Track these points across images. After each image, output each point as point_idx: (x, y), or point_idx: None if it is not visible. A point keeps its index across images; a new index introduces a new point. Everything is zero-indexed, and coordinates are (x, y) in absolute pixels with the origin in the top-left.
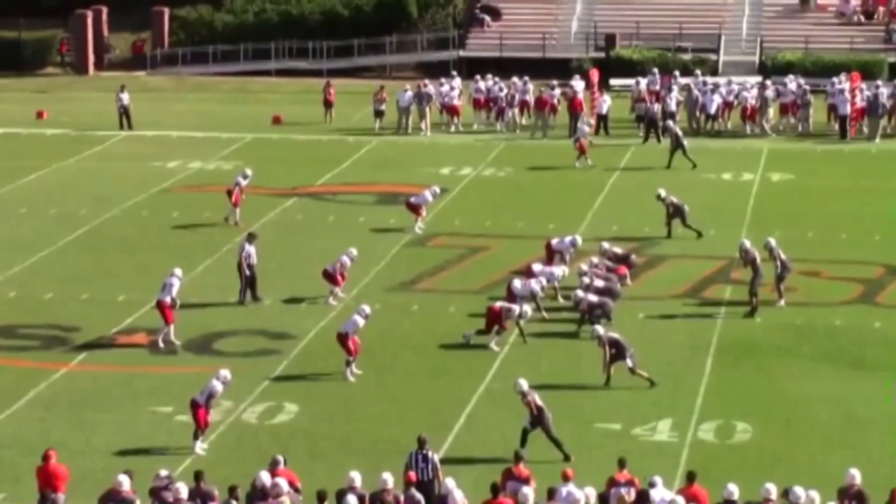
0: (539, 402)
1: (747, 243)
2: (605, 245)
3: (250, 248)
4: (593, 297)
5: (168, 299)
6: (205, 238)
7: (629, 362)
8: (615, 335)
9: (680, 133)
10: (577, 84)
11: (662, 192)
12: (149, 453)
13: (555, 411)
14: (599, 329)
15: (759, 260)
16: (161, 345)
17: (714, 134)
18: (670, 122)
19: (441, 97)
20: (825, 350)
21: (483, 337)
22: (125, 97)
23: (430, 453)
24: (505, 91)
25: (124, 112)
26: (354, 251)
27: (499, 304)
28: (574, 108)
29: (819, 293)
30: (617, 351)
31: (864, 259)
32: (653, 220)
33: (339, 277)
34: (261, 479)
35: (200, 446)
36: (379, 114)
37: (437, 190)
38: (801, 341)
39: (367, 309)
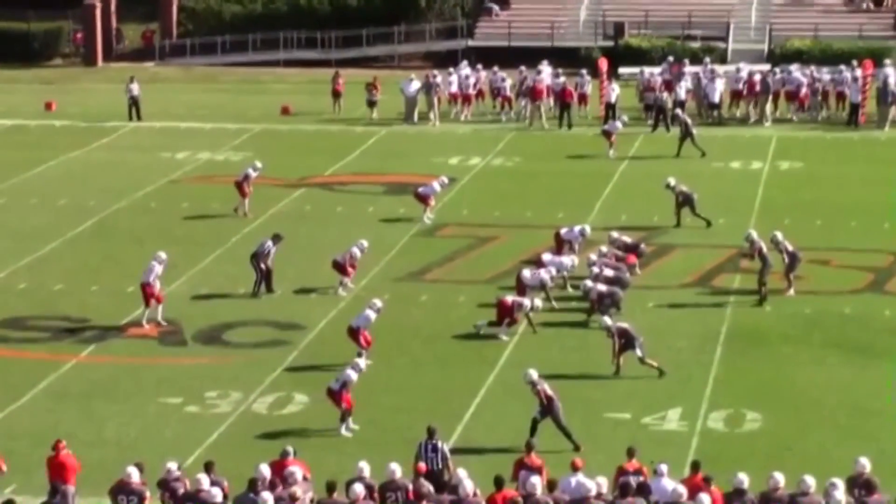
0: (549, 392)
1: (754, 234)
2: (615, 234)
3: (272, 248)
4: (602, 287)
5: (146, 281)
6: (214, 229)
7: (638, 352)
8: (624, 325)
9: (689, 122)
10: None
11: (672, 181)
12: (158, 444)
13: (564, 401)
14: (608, 319)
15: (765, 249)
16: (145, 324)
17: (718, 122)
18: (679, 111)
19: (449, 86)
20: (834, 338)
21: (494, 328)
22: (135, 88)
23: (439, 443)
24: (508, 81)
25: (134, 103)
26: (365, 243)
27: (510, 297)
28: (564, 98)
29: (828, 281)
30: (626, 340)
31: (873, 247)
32: (662, 208)
33: (349, 268)
34: (260, 472)
35: (348, 428)
36: (372, 104)
37: (446, 180)
38: (811, 330)
39: (378, 303)
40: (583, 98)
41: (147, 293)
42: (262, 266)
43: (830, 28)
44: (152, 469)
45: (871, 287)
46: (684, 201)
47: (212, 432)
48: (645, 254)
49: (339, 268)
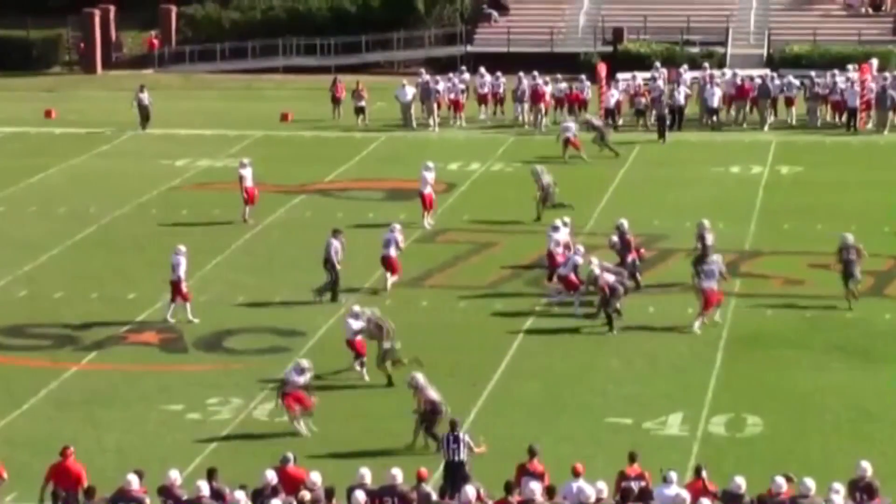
0: (433, 397)
1: (850, 238)
2: (614, 238)
3: (337, 244)
4: (609, 276)
5: (175, 277)
6: (214, 236)
7: (386, 345)
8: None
9: (603, 127)
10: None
11: (539, 168)
12: (159, 452)
13: (565, 405)
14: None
15: (854, 254)
16: (171, 320)
17: (717, 127)
18: (594, 119)
19: (448, 92)
20: (835, 342)
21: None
22: (145, 97)
23: (460, 433)
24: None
25: (143, 112)
26: (398, 226)
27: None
28: (571, 103)
29: (829, 285)
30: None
31: (873, 251)
32: (661, 214)
33: (397, 263)
34: (265, 478)
35: (303, 428)
36: (360, 110)
37: (430, 164)
38: (812, 334)
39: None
40: (582, 103)
41: (179, 290)
42: (332, 266)
43: (829, 33)
44: (153, 477)
45: (871, 291)
46: (544, 194)
47: (213, 439)
48: (644, 258)
49: (388, 264)
